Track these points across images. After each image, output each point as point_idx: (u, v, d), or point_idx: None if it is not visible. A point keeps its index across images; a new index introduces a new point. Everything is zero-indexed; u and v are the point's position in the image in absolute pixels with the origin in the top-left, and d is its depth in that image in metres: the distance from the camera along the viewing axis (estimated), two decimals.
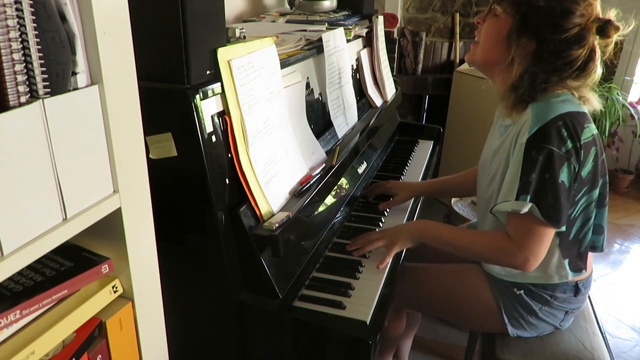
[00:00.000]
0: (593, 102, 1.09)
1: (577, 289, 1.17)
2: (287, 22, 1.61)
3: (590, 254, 1.20)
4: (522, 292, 1.17)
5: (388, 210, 1.44)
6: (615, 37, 1.05)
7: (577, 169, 1.02)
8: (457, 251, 1.19)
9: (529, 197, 1.00)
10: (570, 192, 1.03)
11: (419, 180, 1.69)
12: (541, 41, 1.05)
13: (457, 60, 3.06)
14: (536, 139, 1.01)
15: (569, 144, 1.00)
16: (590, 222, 1.11)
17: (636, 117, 3.12)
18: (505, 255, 1.07)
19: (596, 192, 1.09)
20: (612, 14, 1.05)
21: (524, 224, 1.04)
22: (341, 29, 1.52)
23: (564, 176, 1.00)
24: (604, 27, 1.03)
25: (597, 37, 1.05)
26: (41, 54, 0.52)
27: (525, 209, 1.01)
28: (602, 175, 1.09)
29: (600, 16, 1.04)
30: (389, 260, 1.14)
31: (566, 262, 1.12)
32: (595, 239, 1.15)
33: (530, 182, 1.00)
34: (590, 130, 1.04)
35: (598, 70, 1.07)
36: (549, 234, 1.04)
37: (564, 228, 1.04)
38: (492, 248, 1.10)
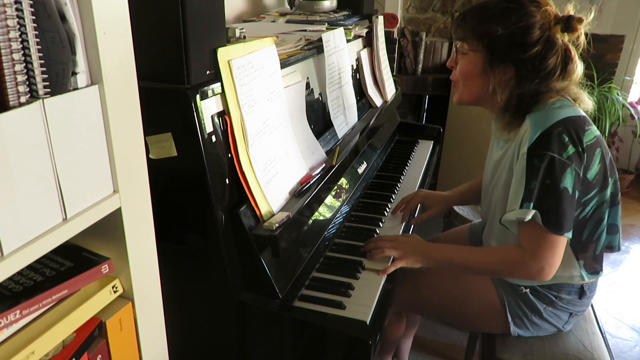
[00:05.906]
0: (586, 101, 1.09)
1: (582, 292, 1.16)
2: (287, 22, 1.60)
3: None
4: (528, 290, 1.17)
5: (389, 208, 1.44)
6: (583, 29, 1.05)
7: (581, 174, 1.01)
8: (471, 272, 1.19)
9: (532, 204, 1.00)
10: (574, 198, 1.01)
11: (419, 180, 1.70)
12: (517, 64, 1.05)
13: None
14: (537, 146, 1.00)
15: (571, 150, 0.99)
16: (604, 223, 1.10)
17: (636, 117, 3.11)
18: (520, 268, 1.05)
19: (607, 192, 1.08)
20: (570, 8, 1.05)
21: (534, 232, 1.03)
22: (341, 29, 1.52)
23: (566, 182, 0.99)
24: (568, 23, 1.04)
25: (566, 34, 1.05)
26: (41, 54, 0.52)
27: (529, 216, 1.00)
28: (611, 174, 1.09)
29: (560, 15, 1.05)
30: (392, 270, 1.13)
31: (580, 263, 1.11)
32: (610, 238, 1.14)
33: (533, 189, 1.00)
34: (592, 132, 1.04)
35: (579, 67, 1.07)
36: (562, 241, 1.02)
37: (570, 234, 1.02)
38: (505, 263, 1.08)
